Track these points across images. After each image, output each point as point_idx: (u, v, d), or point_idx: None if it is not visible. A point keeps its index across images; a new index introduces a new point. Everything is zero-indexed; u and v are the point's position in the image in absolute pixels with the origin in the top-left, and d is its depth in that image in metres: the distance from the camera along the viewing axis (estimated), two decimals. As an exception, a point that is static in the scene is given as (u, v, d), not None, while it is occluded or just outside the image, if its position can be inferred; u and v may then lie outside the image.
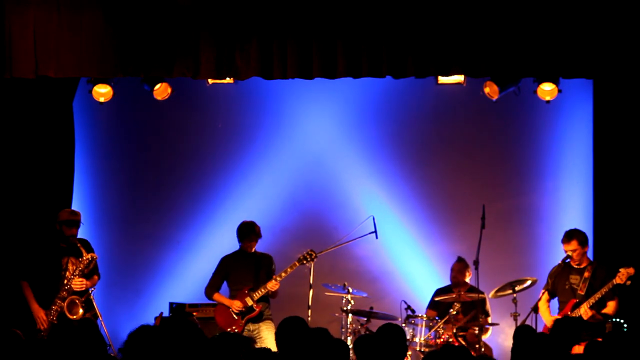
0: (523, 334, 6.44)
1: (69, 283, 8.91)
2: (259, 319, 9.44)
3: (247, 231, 9.57)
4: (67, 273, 8.97)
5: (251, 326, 9.42)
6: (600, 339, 8.44)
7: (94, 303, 8.94)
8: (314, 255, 9.49)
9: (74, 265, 9.00)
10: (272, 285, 9.33)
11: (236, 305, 9.40)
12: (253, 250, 9.60)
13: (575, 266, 8.99)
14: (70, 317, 8.86)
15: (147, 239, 11.07)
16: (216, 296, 9.58)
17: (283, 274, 9.37)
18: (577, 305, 8.79)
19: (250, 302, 9.39)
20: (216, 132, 11.20)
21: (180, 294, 10.59)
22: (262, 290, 9.37)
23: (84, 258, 8.93)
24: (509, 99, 10.10)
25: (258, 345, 9.08)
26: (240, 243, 9.63)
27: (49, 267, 9.01)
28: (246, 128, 11.18)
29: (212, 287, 9.60)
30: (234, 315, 9.42)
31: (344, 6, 8.77)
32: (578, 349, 8.45)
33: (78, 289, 8.94)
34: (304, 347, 5.90)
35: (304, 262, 9.46)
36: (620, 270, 8.62)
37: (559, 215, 10.70)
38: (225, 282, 9.66)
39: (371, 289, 10.36)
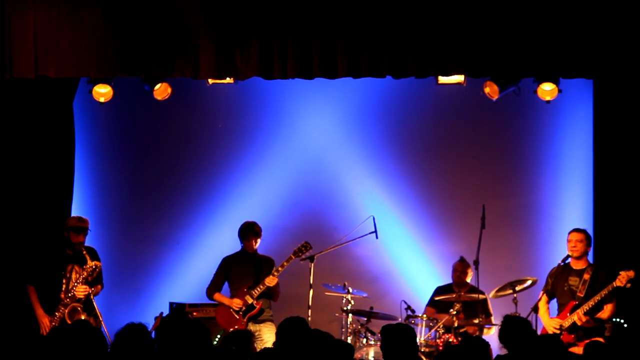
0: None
1: (72, 290, 8.90)
2: (260, 318, 9.44)
3: (247, 231, 9.58)
4: (70, 282, 8.96)
5: (252, 326, 9.40)
6: (599, 339, 8.51)
7: (94, 303, 8.94)
8: (309, 246, 9.50)
9: (77, 273, 8.99)
10: (270, 280, 9.33)
11: (236, 303, 9.41)
12: (253, 250, 9.61)
13: (575, 268, 8.97)
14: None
15: (147, 239, 11.08)
16: (216, 296, 9.60)
17: (280, 269, 9.38)
18: (576, 308, 8.78)
19: (250, 300, 9.40)
20: (216, 132, 11.20)
21: (180, 294, 10.59)
22: (261, 287, 9.38)
23: (88, 266, 8.90)
24: (509, 99, 10.09)
25: (258, 347, 9.11)
26: (241, 244, 9.65)
27: (54, 273, 9.00)
28: (246, 128, 11.18)
29: (212, 287, 9.63)
30: (235, 315, 9.43)
31: (344, 6, 8.78)
32: (577, 349, 8.49)
33: (81, 296, 8.93)
34: (305, 347, 5.90)
35: (300, 254, 9.47)
36: (620, 272, 8.59)
37: (559, 215, 10.70)
38: (227, 283, 9.67)
39: (371, 289, 10.37)
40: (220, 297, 9.58)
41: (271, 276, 9.37)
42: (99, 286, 9.18)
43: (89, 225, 9.15)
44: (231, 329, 9.31)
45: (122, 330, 5.55)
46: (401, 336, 6.07)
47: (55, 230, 9.53)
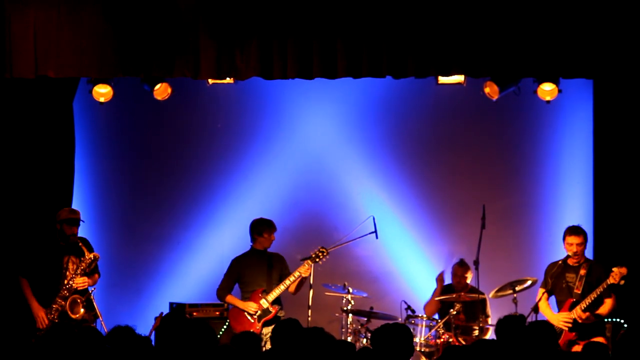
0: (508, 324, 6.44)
1: (70, 282, 8.92)
2: (274, 322, 9.35)
3: (264, 225, 9.42)
4: (68, 272, 8.98)
5: (265, 330, 9.19)
6: (600, 339, 8.51)
7: (94, 303, 8.95)
8: (326, 252, 9.36)
9: (74, 264, 9.01)
10: (305, 270, 9.18)
11: (251, 307, 9.24)
12: (265, 247, 9.44)
13: (571, 264, 8.96)
14: (72, 316, 8.85)
15: (147, 238, 11.08)
16: (229, 298, 9.41)
17: (297, 274, 9.28)
18: (574, 305, 8.77)
19: (265, 305, 9.24)
20: (216, 132, 11.20)
21: (180, 294, 10.59)
22: (276, 291, 9.25)
23: (86, 257, 8.92)
24: (509, 99, 10.10)
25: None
26: (252, 242, 9.54)
27: (50, 266, 9.00)
28: (246, 128, 11.18)
29: (223, 289, 9.41)
30: (250, 319, 9.25)
31: (344, 6, 8.78)
32: (578, 348, 8.49)
33: (81, 288, 8.95)
34: (299, 348, 5.88)
35: (317, 260, 9.33)
36: (613, 269, 8.58)
37: (559, 215, 10.69)
38: (237, 284, 9.56)
39: (371, 289, 10.36)
40: (234, 299, 9.37)
41: (306, 265, 9.19)
42: (97, 275, 9.19)
43: (80, 216, 9.15)
44: (244, 333, 9.18)
45: (109, 333, 5.51)
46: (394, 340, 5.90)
47: (54, 228, 9.54)
